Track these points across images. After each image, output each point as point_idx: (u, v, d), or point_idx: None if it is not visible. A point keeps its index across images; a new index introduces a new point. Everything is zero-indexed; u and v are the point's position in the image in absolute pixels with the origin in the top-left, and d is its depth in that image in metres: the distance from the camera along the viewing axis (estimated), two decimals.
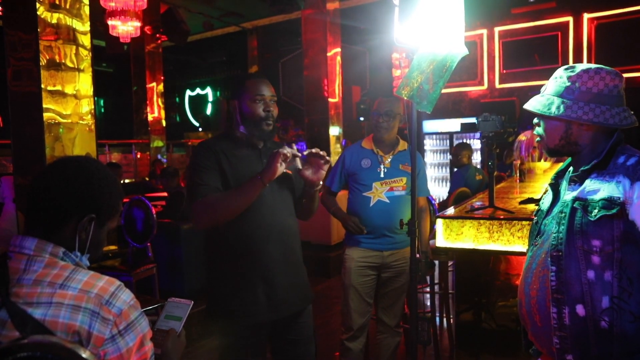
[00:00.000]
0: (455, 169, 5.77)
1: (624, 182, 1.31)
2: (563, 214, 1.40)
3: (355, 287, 2.67)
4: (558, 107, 1.41)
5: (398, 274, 2.72)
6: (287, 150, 1.84)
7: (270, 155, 1.86)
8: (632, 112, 1.40)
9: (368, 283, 2.70)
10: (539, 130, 1.51)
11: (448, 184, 8.50)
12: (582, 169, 1.43)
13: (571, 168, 1.51)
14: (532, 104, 1.49)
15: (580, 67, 1.43)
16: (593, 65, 1.42)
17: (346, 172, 2.78)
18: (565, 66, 1.46)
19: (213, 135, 13.48)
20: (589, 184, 1.38)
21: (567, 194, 1.44)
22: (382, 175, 2.69)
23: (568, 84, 1.41)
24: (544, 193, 1.62)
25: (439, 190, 9.08)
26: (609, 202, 1.31)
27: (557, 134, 1.45)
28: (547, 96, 1.46)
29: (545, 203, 1.56)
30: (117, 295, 1.10)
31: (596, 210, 1.32)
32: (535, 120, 1.52)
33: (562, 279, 1.35)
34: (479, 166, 6.88)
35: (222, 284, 2.02)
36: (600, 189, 1.35)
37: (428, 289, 3.87)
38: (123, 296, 1.11)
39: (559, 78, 1.45)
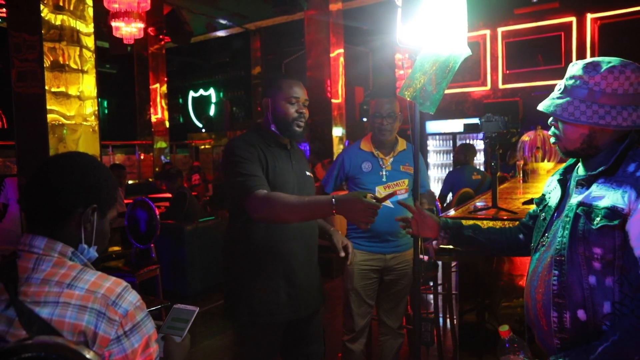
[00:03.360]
0: (449, 170, 5.73)
1: (630, 192, 1.27)
2: (568, 219, 1.38)
3: (357, 290, 2.66)
4: (583, 112, 1.33)
5: (400, 277, 2.70)
6: (374, 216, 1.67)
7: (359, 209, 1.64)
8: None
9: (370, 286, 2.68)
10: (555, 130, 1.44)
11: None
12: (589, 173, 1.39)
13: (580, 166, 1.47)
14: (554, 109, 1.38)
15: (603, 65, 1.33)
16: (615, 60, 1.33)
17: (345, 176, 2.73)
18: (584, 62, 1.37)
19: (216, 134, 13.48)
20: (595, 189, 1.35)
21: (574, 197, 1.41)
22: (384, 179, 2.65)
23: (592, 86, 1.33)
24: (552, 188, 1.59)
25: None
26: (612, 211, 1.28)
27: (579, 138, 1.38)
28: (568, 100, 1.36)
29: (553, 199, 1.53)
30: (124, 296, 1.11)
31: (598, 219, 1.30)
32: (551, 120, 1.45)
33: (563, 284, 1.35)
34: (481, 167, 6.86)
35: (243, 281, 2.01)
36: (605, 196, 1.32)
37: (431, 290, 3.87)
38: (129, 297, 1.12)
39: (579, 79, 1.36)
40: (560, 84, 1.42)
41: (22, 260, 1.12)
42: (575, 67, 1.40)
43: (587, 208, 1.34)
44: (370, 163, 2.68)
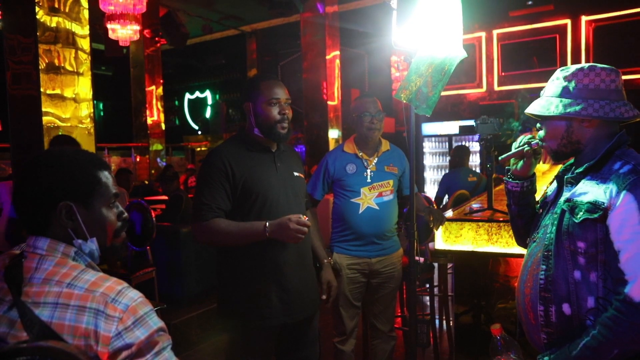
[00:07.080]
0: (445, 172, 5.73)
1: (612, 188, 1.31)
2: (556, 215, 1.43)
3: (346, 295, 2.64)
4: (557, 106, 1.42)
5: (387, 280, 2.69)
6: (303, 232, 1.85)
7: (286, 228, 1.84)
8: (633, 107, 1.40)
9: (358, 289, 2.67)
10: (541, 134, 1.51)
11: None
12: (576, 171, 1.44)
13: (573, 167, 1.51)
14: (532, 107, 1.50)
15: (574, 66, 1.44)
16: (587, 64, 1.43)
17: (330, 179, 2.69)
18: (561, 68, 1.48)
19: (212, 136, 13.45)
20: (581, 186, 1.40)
21: (563, 195, 1.46)
22: (368, 180, 2.61)
23: (565, 83, 1.43)
24: (551, 183, 1.62)
25: None
26: (593, 205, 1.32)
27: (558, 133, 1.45)
28: (546, 98, 1.47)
29: (550, 196, 1.56)
30: (124, 293, 1.09)
31: (581, 213, 1.34)
32: (538, 125, 1.53)
33: (550, 278, 1.38)
34: (477, 169, 6.87)
35: (235, 286, 2.01)
36: (589, 191, 1.36)
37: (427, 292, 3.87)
38: (130, 294, 1.09)
39: (556, 80, 1.47)
40: (543, 89, 1.52)
41: (28, 261, 1.12)
42: (555, 73, 1.50)
43: (572, 204, 1.38)
44: (355, 164, 2.65)
